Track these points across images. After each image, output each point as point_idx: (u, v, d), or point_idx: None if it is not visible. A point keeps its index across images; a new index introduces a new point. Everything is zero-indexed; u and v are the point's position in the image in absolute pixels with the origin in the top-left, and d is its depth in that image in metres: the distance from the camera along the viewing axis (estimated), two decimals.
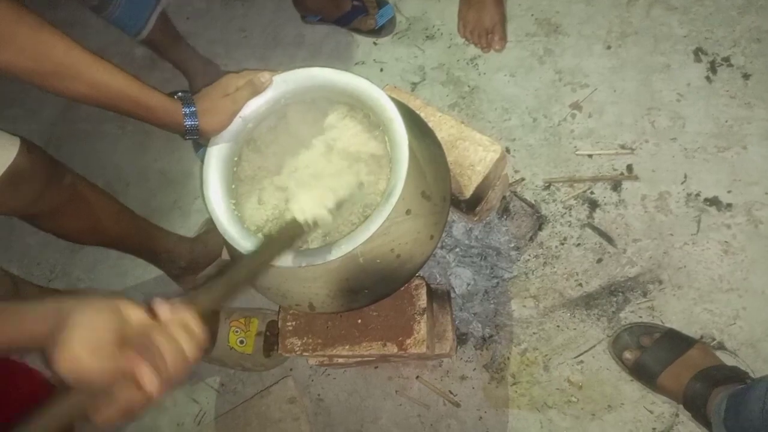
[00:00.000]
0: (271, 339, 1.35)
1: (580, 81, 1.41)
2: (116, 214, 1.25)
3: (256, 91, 0.90)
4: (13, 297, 1.11)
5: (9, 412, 1.26)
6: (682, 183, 1.29)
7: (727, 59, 1.36)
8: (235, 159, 0.95)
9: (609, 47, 1.43)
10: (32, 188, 1.06)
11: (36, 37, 0.78)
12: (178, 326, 0.58)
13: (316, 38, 1.66)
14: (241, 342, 1.35)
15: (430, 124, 1.08)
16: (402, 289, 1.01)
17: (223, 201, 0.89)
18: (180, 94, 0.87)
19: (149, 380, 0.54)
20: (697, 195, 1.27)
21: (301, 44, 1.68)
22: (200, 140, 0.91)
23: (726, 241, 1.23)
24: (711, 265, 1.23)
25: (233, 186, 0.93)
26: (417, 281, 1.06)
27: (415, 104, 1.17)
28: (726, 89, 1.33)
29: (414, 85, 1.53)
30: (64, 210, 1.15)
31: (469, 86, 1.49)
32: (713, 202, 1.26)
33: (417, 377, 1.30)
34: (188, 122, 0.86)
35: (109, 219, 1.23)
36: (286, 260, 0.83)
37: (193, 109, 0.85)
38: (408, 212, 0.89)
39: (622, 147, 1.33)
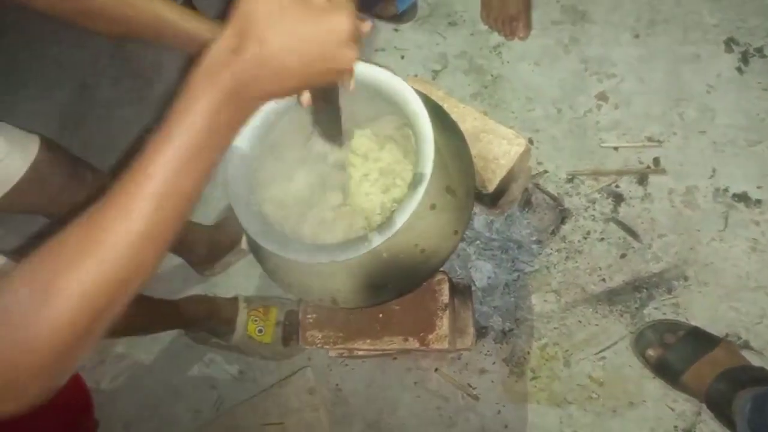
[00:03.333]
0: (289, 329, 1.35)
1: (607, 71, 1.38)
2: None
3: None
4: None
5: (44, 412, 1.27)
6: (710, 177, 1.26)
7: (759, 50, 1.32)
8: (256, 153, 0.94)
9: (637, 36, 1.39)
10: (53, 187, 1.06)
11: None
12: None
13: None
14: (260, 331, 1.35)
15: (453, 116, 1.06)
16: (424, 283, 1.00)
17: (244, 196, 0.89)
18: None
19: None
20: (726, 190, 1.24)
21: None
22: None
23: (754, 238, 1.21)
24: (738, 262, 1.20)
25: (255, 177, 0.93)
26: (439, 276, 1.04)
27: (437, 95, 1.15)
28: (758, 81, 1.30)
29: (435, 73, 1.50)
30: (85, 207, 1.14)
31: (492, 75, 1.46)
32: (742, 197, 1.23)
33: (436, 369, 1.29)
34: None
35: None
36: (309, 256, 0.83)
37: None
38: (432, 207, 0.88)
39: (649, 139, 1.30)
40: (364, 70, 0.92)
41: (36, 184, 1.02)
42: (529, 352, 1.25)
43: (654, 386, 1.17)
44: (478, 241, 1.31)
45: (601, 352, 1.21)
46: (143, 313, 1.23)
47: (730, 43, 1.34)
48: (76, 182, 1.10)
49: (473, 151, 1.08)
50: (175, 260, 1.48)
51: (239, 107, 0.50)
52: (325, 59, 0.51)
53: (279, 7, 0.48)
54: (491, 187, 1.09)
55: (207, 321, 1.36)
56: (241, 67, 0.48)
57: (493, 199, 1.15)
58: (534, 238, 1.30)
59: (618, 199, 1.28)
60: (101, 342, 1.47)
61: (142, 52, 1.74)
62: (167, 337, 1.49)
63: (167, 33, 0.78)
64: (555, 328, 1.25)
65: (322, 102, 0.76)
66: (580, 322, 1.24)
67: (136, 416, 1.48)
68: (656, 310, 1.21)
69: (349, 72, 0.55)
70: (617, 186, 1.29)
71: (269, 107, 0.91)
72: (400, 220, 0.81)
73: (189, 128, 0.48)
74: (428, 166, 0.83)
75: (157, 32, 0.78)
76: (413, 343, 1.02)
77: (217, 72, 0.48)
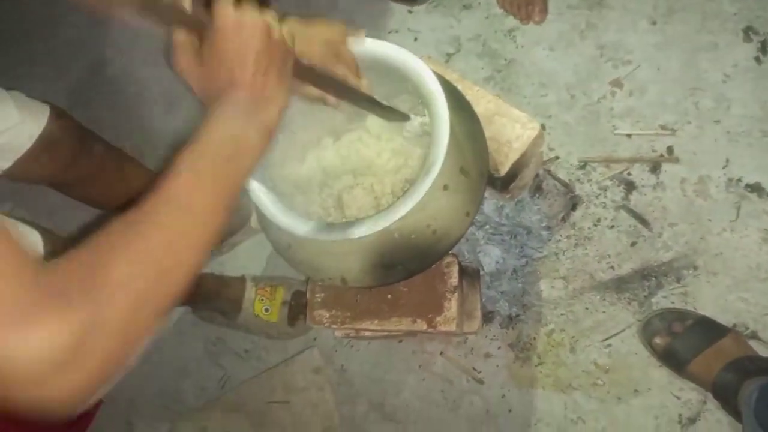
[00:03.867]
0: (296, 308, 1.35)
1: (623, 57, 1.36)
2: (146, 183, 1.25)
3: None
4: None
5: None
6: (723, 167, 1.25)
7: None
8: None
9: (654, 23, 1.37)
10: (63, 155, 1.06)
11: None
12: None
13: (350, 4, 1.62)
14: (267, 310, 1.35)
15: (467, 98, 1.05)
16: (434, 266, 1.00)
17: (257, 173, 0.88)
18: None
19: None
20: (739, 180, 1.24)
21: (333, 10, 1.63)
22: None
23: (766, 229, 1.20)
24: (749, 252, 1.20)
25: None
26: (449, 259, 1.04)
27: (451, 77, 1.14)
28: None
29: (449, 56, 1.49)
30: (94, 178, 1.15)
31: (505, 59, 1.45)
32: (755, 188, 1.23)
33: (441, 353, 1.29)
34: None
35: (138, 188, 1.23)
36: (322, 233, 0.82)
37: None
38: (445, 188, 0.87)
39: (663, 128, 1.29)
40: (380, 48, 0.91)
41: (46, 151, 1.02)
42: (535, 338, 1.25)
43: (660, 374, 1.17)
44: (487, 226, 1.30)
45: (607, 339, 1.21)
46: None
47: (748, 32, 1.32)
48: (85, 152, 1.10)
49: (486, 134, 1.07)
50: None
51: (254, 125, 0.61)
52: (241, 53, 0.60)
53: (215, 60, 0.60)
54: (503, 171, 1.08)
55: (214, 299, 1.36)
56: (234, 102, 0.60)
57: (504, 184, 1.15)
58: (544, 224, 1.29)
59: (630, 186, 1.28)
60: None
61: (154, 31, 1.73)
62: (173, 314, 1.49)
63: None
64: (562, 314, 1.25)
65: (338, 92, 0.80)
66: (587, 309, 1.24)
67: (141, 393, 1.49)
68: (665, 299, 1.20)
69: (271, 47, 0.62)
70: (629, 174, 1.28)
71: None
72: (414, 199, 0.81)
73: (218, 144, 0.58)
74: (443, 147, 0.83)
75: None
76: (421, 325, 1.02)
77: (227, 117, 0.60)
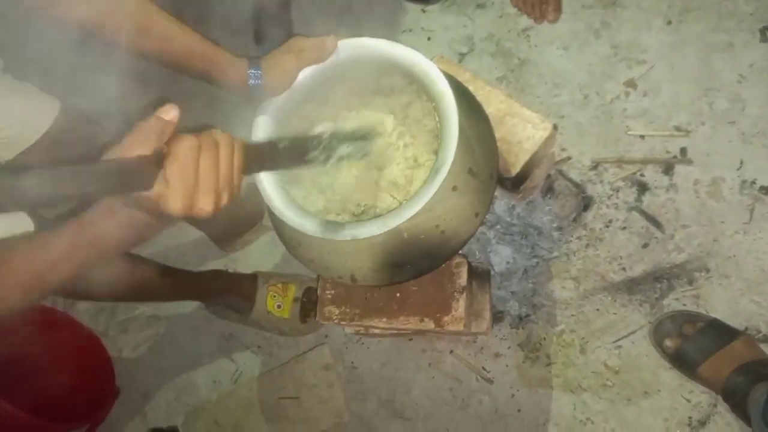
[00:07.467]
0: (307, 305, 1.37)
1: (637, 57, 1.35)
2: None
3: (322, 55, 0.90)
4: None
5: (52, 360, 1.33)
6: (737, 169, 1.24)
7: None
8: (279, 132, 0.94)
9: (669, 22, 1.36)
10: (65, 154, 1.07)
11: None
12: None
13: (363, 4, 1.63)
14: (279, 306, 1.37)
15: (478, 98, 1.05)
16: (443, 265, 1.01)
17: (271, 176, 0.90)
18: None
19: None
20: (753, 182, 1.22)
21: (348, 10, 1.64)
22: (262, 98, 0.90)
23: None
24: (762, 255, 1.18)
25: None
26: (458, 259, 1.05)
27: (463, 77, 1.14)
28: None
29: (462, 55, 1.49)
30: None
31: (519, 59, 1.44)
32: None
33: (451, 352, 1.30)
34: (252, 81, 0.85)
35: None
36: (331, 233, 0.83)
37: (259, 71, 0.85)
38: (454, 189, 0.88)
39: (677, 129, 1.28)
40: (390, 48, 0.92)
41: (50, 148, 1.02)
42: (545, 338, 1.26)
43: (670, 377, 1.17)
44: (498, 226, 1.31)
45: (618, 340, 1.21)
46: (162, 282, 1.25)
47: (765, 32, 1.30)
48: (91, 150, 1.12)
49: (497, 134, 1.07)
50: (196, 234, 1.50)
51: None
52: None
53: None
54: (514, 171, 1.08)
55: (227, 296, 1.38)
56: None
57: (515, 184, 1.15)
58: (555, 225, 1.29)
59: (642, 188, 1.27)
60: (124, 312, 1.51)
61: None
62: (188, 309, 1.52)
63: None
64: (572, 315, 1.25)
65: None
66: (598, 310, 1.24)
67: (155, 385, 1.52)
68: (676, 301, 1.20)
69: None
70: (642, 175, 1.28)
71: (293, 88, 0.91)
72: (423, 200, 0.81)
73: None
74: (452, 147, 0.83)
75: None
76: (429, 324, 1.03)
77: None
